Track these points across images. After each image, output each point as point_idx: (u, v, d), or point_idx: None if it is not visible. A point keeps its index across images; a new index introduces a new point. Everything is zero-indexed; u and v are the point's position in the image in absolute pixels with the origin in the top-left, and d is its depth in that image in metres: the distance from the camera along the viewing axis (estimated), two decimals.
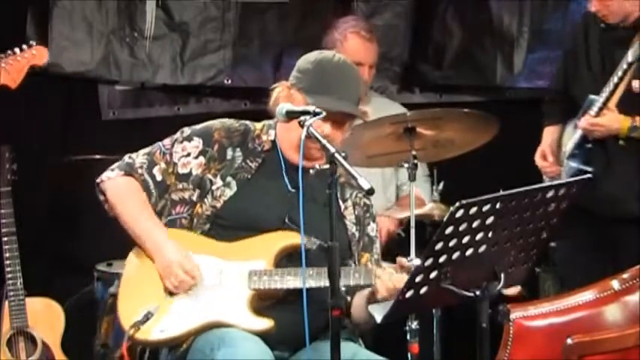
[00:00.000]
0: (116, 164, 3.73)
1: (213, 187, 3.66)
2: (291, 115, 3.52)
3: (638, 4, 4.45)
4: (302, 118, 3.45)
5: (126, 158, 3.73)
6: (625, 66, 4.32)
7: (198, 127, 3.74)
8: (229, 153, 3.69)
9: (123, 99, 5.75)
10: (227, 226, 3.64)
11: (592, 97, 4.45)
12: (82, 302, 5.06)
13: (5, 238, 4.66)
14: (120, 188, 3.69)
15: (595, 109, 4.40)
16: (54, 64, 5.42)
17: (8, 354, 4.67)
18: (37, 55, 4.33)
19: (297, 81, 3.66)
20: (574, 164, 4.52)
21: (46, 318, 4.80)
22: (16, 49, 4.30)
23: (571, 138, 4.61)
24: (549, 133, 4.76)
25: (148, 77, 5.68)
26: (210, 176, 3.67)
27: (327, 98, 3.58)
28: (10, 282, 4.65)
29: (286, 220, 3.61)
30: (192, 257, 3.59)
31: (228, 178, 3.67)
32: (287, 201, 3.64)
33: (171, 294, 3.58)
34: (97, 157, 4.96)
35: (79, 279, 5.15)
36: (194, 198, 3.68)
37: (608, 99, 4.38)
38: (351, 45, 5.15)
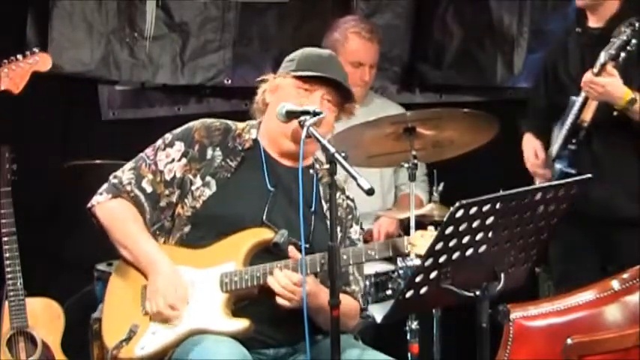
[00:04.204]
0: (104, 187, 3.73)
1: (193, 188, 3.67)
2: (291, 115, 3.54)
3: (616, 4, 4.47)
4: (302, 118, 3.47)
5: (112, 179, 3.73)
6: (599, 66, 4.32)
7: (178, 130, 3.75)
8: (209, 152, 3.70)
9: (123, 99, 5.74)
10: (207, 226, 3.65)
11: (573, 98, 4.46)
12: (82, 302, 5.06)
13: (5, 238, 4.66)
14: (111, 212, 3.69)
15: (595, 69, 4.35)
16: (54, 64, 5.40)
17: (8, 354, 4.67)
18: (40, 61, 4.45)
19: (283, 69, 3.71)
20: (559, 166, 4.52)
21: (46, 318, 4.80)
22: (19, 56, 4.39)
23: (556, 142, 4.61)
24: (531, 138, 4.76)
25: (148, 77, 5.68)
26: (190, 176, 3.68)
27: (314, 71, 3.63)
28: (10, 282, 4.65)
29: (264, 219, 3.62)
30: (182, 286, 3.58)
31: (208, 178, 3.67)
32: (266, 200, 3.64)
33: (147, 312, 3.61)
34: (97, 157, 4.96)
35: (79, 279, 5.15)
36: (174, 199, 3.69)
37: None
38: (352, 45, 5.15)
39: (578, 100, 4.41)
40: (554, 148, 4.54)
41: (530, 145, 4.71)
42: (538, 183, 4.64)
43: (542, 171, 4.64)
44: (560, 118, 4.52)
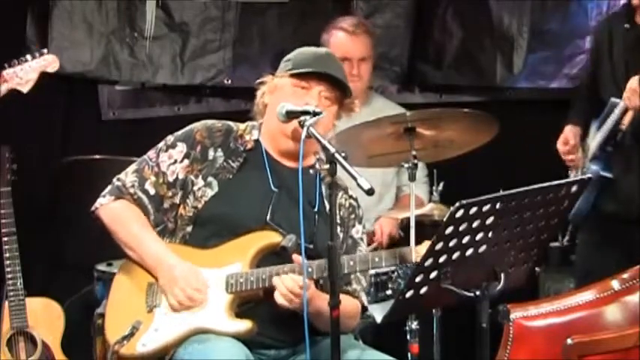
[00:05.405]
0: (107, 189, 3.73)
1: (195, 188, 3.67)
2: (291, 115, 3.54)
3: None
4: (302, 118, 3.47)
5: (115, 181, 3.73)
6: None
7: (180, 132, 3.75)
8: (211, 153, 3.70)
9: (123, 99, 5.75)
10: (209, 227, 3.64)
11: (614, 100, 4.42)
12: (82, 302, 5.06)
13: (5, 238, 4.66)
14: (114, 213, 3.69)
15: None
16: None
17: (8, 354, 4.67)
18: (47, 62, 4.54)
19: (280, 69, 3.70)
20: (595, 167, 4.50)
21: (46, 318, 4.79)
22: (28, 56, 4.49)
23: (593, 139, 4.58)
24: (571, 128, 4.73)
25: (148, 77, 5.68)
26: (192, 177, 3.68)
27: (310, 67, 3.63)
28: (10, 282, 4.65)
29: (268, 220, 3.62)
30: (199, 272, 3.59)
31: (210, 178, 3.67)
32: (269, 200, 3.64)
33: (151, 308, 3.60)
34: (97, 157, 4.96)
35: (79, 279, 5.15)
36: (176, 200, 3.69)
37: None
38: (335, 40, 5.15)
39: (621, 105, 4.36)
40: (592, 146, 4.52)
41: (564, 134, 4.70)
42: (570, 173, 4.64)
43: (570, 157, 4.64)
44: (600, 115, 4.49)
